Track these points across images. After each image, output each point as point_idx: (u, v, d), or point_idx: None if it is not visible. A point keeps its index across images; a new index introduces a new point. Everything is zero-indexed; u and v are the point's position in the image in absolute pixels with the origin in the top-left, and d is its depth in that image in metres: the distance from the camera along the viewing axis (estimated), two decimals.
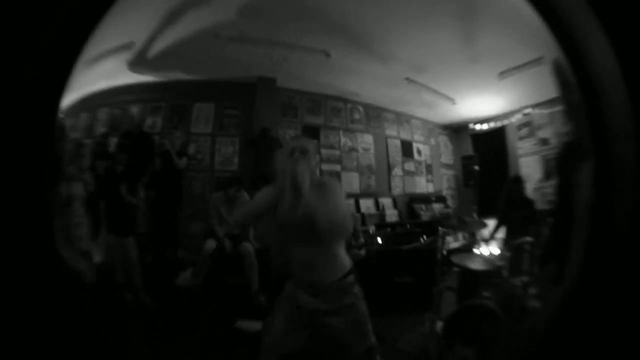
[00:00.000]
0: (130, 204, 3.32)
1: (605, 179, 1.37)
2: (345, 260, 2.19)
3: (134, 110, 3.61)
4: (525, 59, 3.43)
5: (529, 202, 3.58)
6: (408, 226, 3.89)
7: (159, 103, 3.66)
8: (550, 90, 3.62)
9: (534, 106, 4.08)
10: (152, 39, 3.18)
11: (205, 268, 3.42)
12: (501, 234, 3.75)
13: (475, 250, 4.17)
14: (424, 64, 3.73)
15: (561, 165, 2.74)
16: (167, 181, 3.61)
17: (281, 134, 3.86)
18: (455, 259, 3.16)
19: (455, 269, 3.17)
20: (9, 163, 1.15)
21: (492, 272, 3.07)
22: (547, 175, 4.06)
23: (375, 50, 3.53)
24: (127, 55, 3.21)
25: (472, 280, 3.03)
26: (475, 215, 4.21)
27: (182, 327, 3.09)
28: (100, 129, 3.45)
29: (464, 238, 4.39)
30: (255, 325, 3.06)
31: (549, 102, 3.83)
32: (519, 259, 3.13)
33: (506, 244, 3.39)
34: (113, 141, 3.48)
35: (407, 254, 3.57)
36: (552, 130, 4.00)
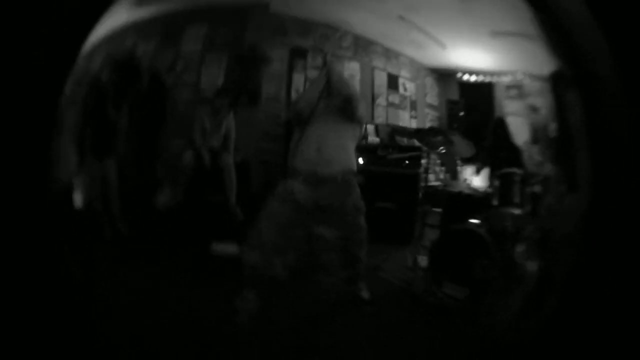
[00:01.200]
0: (112, 121, 3.18)
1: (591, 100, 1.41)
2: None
3: (128, 40, 3.44)
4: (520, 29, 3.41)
5: (515, 148, 3.56)
6: (390, 150, 3.88)
7: (152, 33, 3.48)
8: (544, 65, 3.77)
9: (526, 73, 4.17)
10: None
11: (183, 184, 3.29)
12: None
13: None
14: (416, 3, 3.71)
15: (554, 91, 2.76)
16: (152, 99, 3.46)
17: (268, 52, 3.80)
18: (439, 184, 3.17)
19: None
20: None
21: (480, 197, 3.03)
22: (535, 140, 4.16)
23: None
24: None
25: (458, 204, 3.04)
26: (458, 161, 4.27)
27: (157, 253, 2.96)
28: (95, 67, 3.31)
29: (445, 176, 4.46)
30: (231, 248, 3.03)
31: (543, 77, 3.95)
32: (508, 190, 3.06)
33: (492, 176, 3.29)
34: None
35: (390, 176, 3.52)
36: (543, 100, 4.11)
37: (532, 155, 4.10)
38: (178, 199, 3.25)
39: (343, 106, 1.86)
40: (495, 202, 2.92)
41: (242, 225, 3.20)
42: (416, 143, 4.35)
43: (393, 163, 3.60)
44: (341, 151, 2.08)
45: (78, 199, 3.06)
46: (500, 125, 3.61)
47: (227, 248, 3.02)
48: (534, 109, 4.28)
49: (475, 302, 2.53)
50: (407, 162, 3.55)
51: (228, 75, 3.65)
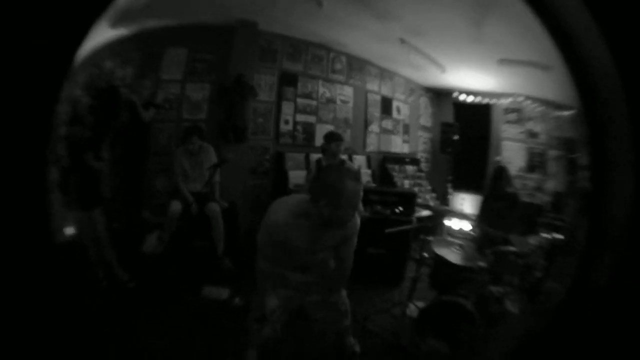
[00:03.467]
0: (96, 170, 2.94)
1: None
2: None
3: (108, 64, 3.16)
4: (528, 58, 3.38)
5: (512, 195, 3.55)
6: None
7: (131, 54, 3.25)
8: (546, 91, 3.62)
9: (527, 97, 4.03)
10: None
11: (170, 231, 3.19)
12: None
13: (446, 222, 4.25)
14: (423, 28, 3.49)
15: None
16: (133, 136, 3.25)
17: (256, 79, 3.52)
18: (435, 247, 2.97)
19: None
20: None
21: (472, 270, 2.90)
22: (531, 168, 4.10)
23: (374, 7, 3.20)
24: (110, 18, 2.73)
25: (447, 273, 2.88)
26: (449, 187, 4.23)
27: (153, 299, 2.91)
28: (77, 92, 2.97)
29: (438, 206, 4.45)
30: (221, 292, 3.02)
31: (544, 102, 3.81)
32: (501, 268, 2.96)
33: (486, 246, 3.19)
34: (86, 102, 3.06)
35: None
36: (543, 127, 4.00)
37: (527, 184, 4.11)
38: (165, 245, 3.17)
39: None
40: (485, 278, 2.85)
41: (231, 274, 3.24)
42: (408, 172, 4.29)
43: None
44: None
45: (73, 249, 2.96)
46: (499, 172, 3.51)
47: (218, 293, 3.04)
48: (532, 135, 4.21)
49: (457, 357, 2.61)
50: (400, 208, 3.46)
51: (210, 108, 3.40)
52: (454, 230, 4.25)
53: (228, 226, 3.30)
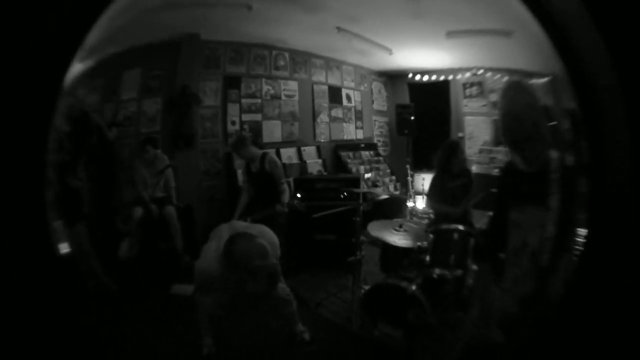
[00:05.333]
0: (75, 189, 3.37)
1: None
2: None
3: (80, 92, 3.46)
4: (482, 26, 3.32)
5: (466, 171, 3.46)
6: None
7: (97, 80, 3.58)
8: (511, 60, 3.47)
9: (488, 69, 3.88)
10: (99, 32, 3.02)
11: (137, 236, 3.54)
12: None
13: (409, 204, 4.24)
14: (357, 14, 3.58)
15: None
16: (102, 154, 3.59)
17: (202, 87, 3.76)
18: (373, 231, 2.98)
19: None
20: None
21: (415, 250, 2.86)
22: (497, 142, 3.98)
23: (300, 1, 3.35)
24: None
25: (392, 255, 2.95)
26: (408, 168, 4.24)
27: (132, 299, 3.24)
28: (59, 122, 3.38)
29: (396, 189, 4.46)
30: (187, 289, 3.16)
31: (510, 72, 3.67)
32: (443, 248, 2.83)
33: (430, 227, 3.10)
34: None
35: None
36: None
37: (496, 157, 3.98)
38: (136, 250, 3.50)
39: None
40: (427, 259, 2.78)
41: (190, 268, 3.55)
42: (364, 157, 4.30)
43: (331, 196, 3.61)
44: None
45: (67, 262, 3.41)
46: (452, 148, 3.40)
47: (184, 289, 3.27)
48: (496, 106, 4.04)
49: (411, 342, 2.60)
50: (345, 194, 3.56)
51: (163, 120, 3.69)
52: (418, 211, 4.27)
53: (185, 226, 3.60)
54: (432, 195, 3.47)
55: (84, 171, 3.37)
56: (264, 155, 3.42)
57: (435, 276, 2.70)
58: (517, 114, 2.19)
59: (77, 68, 3.49)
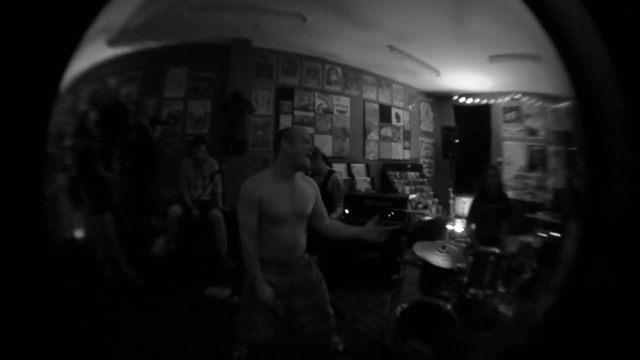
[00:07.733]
0: (106, 179, 3.29)
1: None
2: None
3: (112, 81, 3.50)
4: (518, 50, 3.37)
5: (503, 196, 3.52)
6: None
7: (134, 72, 3.55)
8: (542, 84, 3.54)
9: (524, 94, 3.96)
10: (130, 16, 2.99)
11: (173, 234, 3.49)
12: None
13: (449, 226, 4.22)
14: (409, 34, 3.67)
15: None
16: (142, 152, 3.58)
17: (254, 95, 3.74)
18: (418, 251, 2.99)
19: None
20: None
21: (454, 271, 2.91)
22: (531, 167, 4.02)
23: (355, 17, 3.43)
24: (106, 35, 3.04)
25: (432, 275, 2.95)
26: (450, 191, 4.23)
27: (159, 296, 3.19)
28: (82, 106, 3.33)
29: (438, 211, 4.44)
30: (223, 292, 3.26)
31: (541, 97, 3.73)
32: (480, 270, 2.92)
33: (469, 249, 3.25)
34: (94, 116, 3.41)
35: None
36: (542, 123, 3.92)
37: (529, 183, 4.01)
38: (172, 247, 3.47)
39: None
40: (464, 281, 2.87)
41: (234, 273, 3.45)
42: (409, 178, 4.30)
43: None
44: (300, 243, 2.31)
45: (81, 248, 3.30)
46: (491, 171, 3.48)
47: (220, 292, 3.27)
48: (532, 132, 4.11)
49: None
50: (392, 213, 3.52)
51: (212, 124, 3.65)
52: (457, 234, 4.24)
53: (231, 230, 3.52)
54: (468, 217, 3.59)
55: (118, 163, 3.40)
56: (330, 173, 3.39)
57: (469, 296, 2.80)
58: None
59: (107, 52, 3.41)
